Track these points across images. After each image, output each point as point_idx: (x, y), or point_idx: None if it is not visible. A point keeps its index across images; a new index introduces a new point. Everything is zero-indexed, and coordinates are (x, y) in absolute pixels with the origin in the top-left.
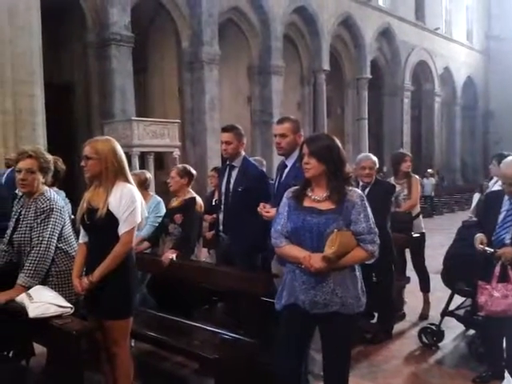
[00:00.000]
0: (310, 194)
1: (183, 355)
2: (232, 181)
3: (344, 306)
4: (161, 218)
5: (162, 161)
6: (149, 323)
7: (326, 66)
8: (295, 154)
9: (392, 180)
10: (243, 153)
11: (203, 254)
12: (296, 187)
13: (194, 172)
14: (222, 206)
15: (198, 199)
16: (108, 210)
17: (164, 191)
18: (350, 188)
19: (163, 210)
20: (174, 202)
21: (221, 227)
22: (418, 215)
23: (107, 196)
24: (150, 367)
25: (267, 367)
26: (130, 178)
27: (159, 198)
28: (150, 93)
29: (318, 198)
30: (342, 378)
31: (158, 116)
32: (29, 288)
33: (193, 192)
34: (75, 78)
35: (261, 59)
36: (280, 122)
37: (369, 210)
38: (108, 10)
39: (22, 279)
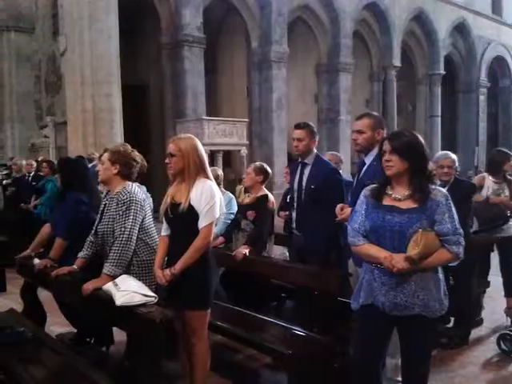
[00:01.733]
0: (390, 193)
1: (256, 348)
2: (304, 178)
3: (426, 309)
4: (233, 215)
5: (229, 159)
6: (222, 315)
7: (397, 62)
8: (374, 151)
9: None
10: (315, 150)
11: (278, 251)
12: (374, 185)
13: (269, 171)
14: (295, 204)
15: (271, 196)
16: (190, 204)
17: (231, 189)
18: (434, 186)
19: (235, 207)
20: (247, 199)
21: (294, 224)
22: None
23: (189, 191)
24: (222, 359)
25: (341, 366)
26: (210, 174)
27: (231, 195)
28: (220, 92)
29: (399, 196)
30: (422, 383)
31: (227, 115)
32: (113, 277)
33: (265, 189)
34: (150, 79)
35: (329, 57)
36: (359, 117)
37: (453, 209)
38: (181, 12)
39: (106, 268)
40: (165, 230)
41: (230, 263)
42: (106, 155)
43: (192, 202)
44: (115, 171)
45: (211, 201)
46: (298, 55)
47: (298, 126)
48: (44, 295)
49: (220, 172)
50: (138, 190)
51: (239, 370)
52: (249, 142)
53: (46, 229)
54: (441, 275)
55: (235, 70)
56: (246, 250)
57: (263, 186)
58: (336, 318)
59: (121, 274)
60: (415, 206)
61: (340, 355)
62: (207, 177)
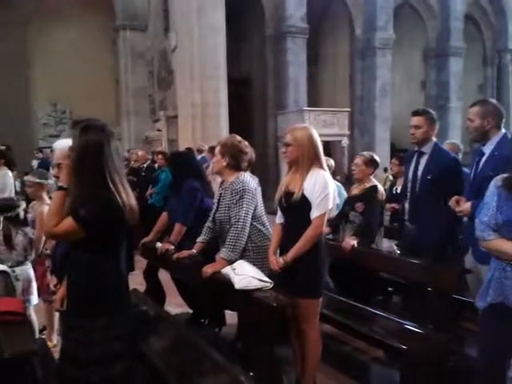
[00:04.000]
0: None
1: (366, 341)
2: (421, 168)
3: None
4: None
5: (329, 150)
6: (330, 305)
7: None
8: (495, 141)
9: None
10: (434, 139)
11: (385, 244)
12: (507, 175)
13: (378, 161)
14: (408, 194)
15: (380, 187)
16: (303, 194)
17: None
18: None
19: (343, 197)
20: (355, 190)
21: (406, 216)
22: None
23: (302, 181)
24: (329, 349)
25: (455, 366)
26: (325, 164)
27: (340, 185)
28: (321, 82)
29: None
30: None
31: (328, 105)
32: (230, 261)
33: (374, 180)
34: (253, 72)
35: (438, 41)
36: (471, 105)
37: None
38: (285, 3)
39: (223, 253)
40: (279, 218)
41: (337, 254)
42: (218, 148)
43: (305, 192)
44: (225, 163)
45: (324, 191)
46: (403, 40)
47: (416, 113)
48: (163, 277)
49: (332, 162)
50: (250, 180)
51: (347, 361)
52: (350, 132)
53: (164, 216)
54: None
55: (337, 58)
56: (354, 242)
57: (371, 176)
58: (451, 316)
59: (236, 259)
60: None
61: (456, 354)
62: (321, 167)
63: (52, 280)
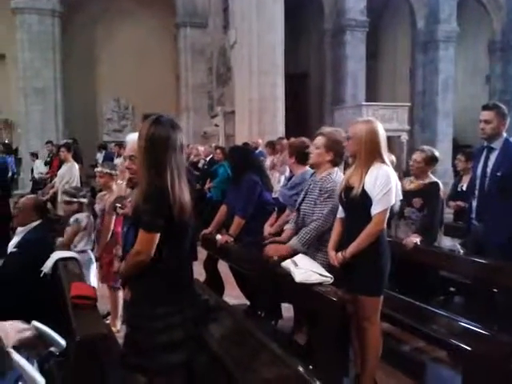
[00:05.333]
0: None
1: (427, 341)
2: (490, 164)
3: None
4: None
5: (388, 145)
6: (389, 303)
7: None
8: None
9: None
10: (505, 134)
11: (447, 243)
12: None
13: (438, 157)
14: (476, 192)
15: (440, 184)
16: (363, 189)
17: None
18: None
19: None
20: (411, 185)
21: (473, 214)
22: None
23: (363, 175)
24: (388, 348)
25: None
26: (387, 159)
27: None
28: (380, 77)
29: None
30: None
31: (387, 100)
32: (294, 252)
33: (432, 176)
34: (311, 67)
35: (504, 34)
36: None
37: None
38: None
39: (293, 241)
40: (340, 213)
41: (396, 251)
42: (321, 139)
43: (366, 187)
44: (328, 158)
45: (386, 187)
46: (467, 33)
47: (486, 107)
48: (222, 268)
49: (393, 157)
50: (339, 179)
51: (407, 360)
52: (410, 127)
53: (224, 209)
54: None
55: (397, 52)
56: (417, 239)
57: (429, 172)
58: None
59: (301, 252)
60: None
61: None
62: (383, 162)
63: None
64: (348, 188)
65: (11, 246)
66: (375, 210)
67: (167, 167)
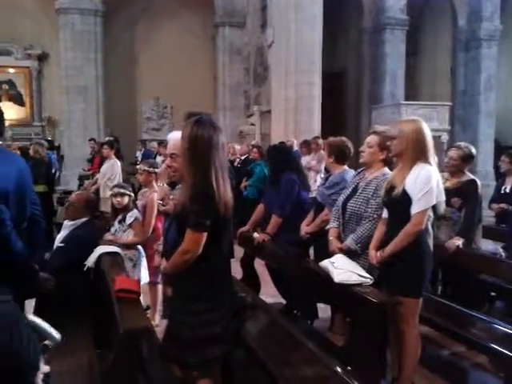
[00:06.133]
0: None
1: (467, 346)
2: None
3: None
4: None
5: None
6: (428, 307)
7: None
8: None
9: None
10: None
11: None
12: None
13: (475, 154)
14: None
15: (478, 182)
16: (404, 189)
17: None
18: None
19: None
20: (447, 183)
21: None
22: None
23: (405, 175)
24: (428, 352)
25: None
26: (432, 159)
27: None
28: (419, 75)
29: None
30: None
31: (426, 99)
32: (348, 250)
33: (469, 173)
34: (348, 65)
35: None
36: None
37: None
38: None
39: (349, 240)
40: (385, 213)
41: (437, 253)
42: (374, 138)
43: (407, 187)
44: (382, 157)
45: (426, 187)
46: (510, 31)
47: None
48: (258, 267)
49: (435, 158)
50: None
51: (447, 365)
52: (450, 127)
53: (261, 208)
54: None
55: (438, 50)
56: (459, 242)
57: (465, 170)
58: None
59: (356, 250)
60: None
61: None
62: (427, 162)
63: (163, 263)
64: (390, 188)
65: (58, 240)
66: (414, 209)
67: (211, 167)
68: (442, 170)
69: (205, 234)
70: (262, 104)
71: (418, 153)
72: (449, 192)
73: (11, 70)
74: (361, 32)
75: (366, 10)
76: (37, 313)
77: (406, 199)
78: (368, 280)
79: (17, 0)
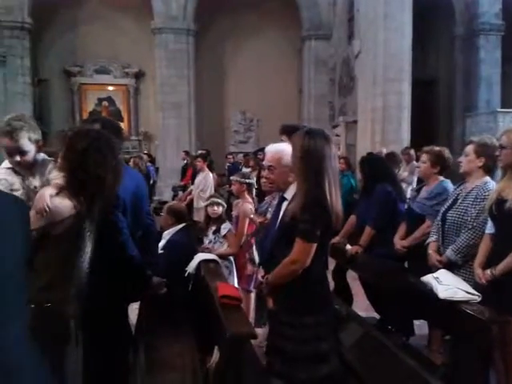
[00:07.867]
0: None
1: None
2: None
3: None
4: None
5: None
6: None
7: None
8: None
9: None
10: None
11: None
12: None
13: None
14: None
15: None
16: None
17: None
18: None
19: None
20: None
21: None
22: None
23: None
24: None
25: None
26: None
27: None
28: None
29: None
30: None
31: None
32: (448, 263)
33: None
34: (440, 73)
35: None
36: None
37: None
38: (478, 0)
39: (449, 252)
40: (489, 228)
41: None
42: (470, 147)
43: None
44: (480, 164)
45: None
46: None
47: None
48: (350, 279)
49: None
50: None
51: None
52: None
53: (353, 219)
54: None
55: None
56: None
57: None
58: None
59: (456, 261)
60: None
61: None
62: None
63: (259, 272)
64: (500, 201)
65: (159, 248)
66: None
67: (325, 177)
68: None
69: (315, 245)
70: (348, 114)
71: None
72: None
73: (110, 88)
74: (452, 39)
75: (458, 16)
76: (143, 317)
77: None
78: (476, 297)
79: (116, 22)
